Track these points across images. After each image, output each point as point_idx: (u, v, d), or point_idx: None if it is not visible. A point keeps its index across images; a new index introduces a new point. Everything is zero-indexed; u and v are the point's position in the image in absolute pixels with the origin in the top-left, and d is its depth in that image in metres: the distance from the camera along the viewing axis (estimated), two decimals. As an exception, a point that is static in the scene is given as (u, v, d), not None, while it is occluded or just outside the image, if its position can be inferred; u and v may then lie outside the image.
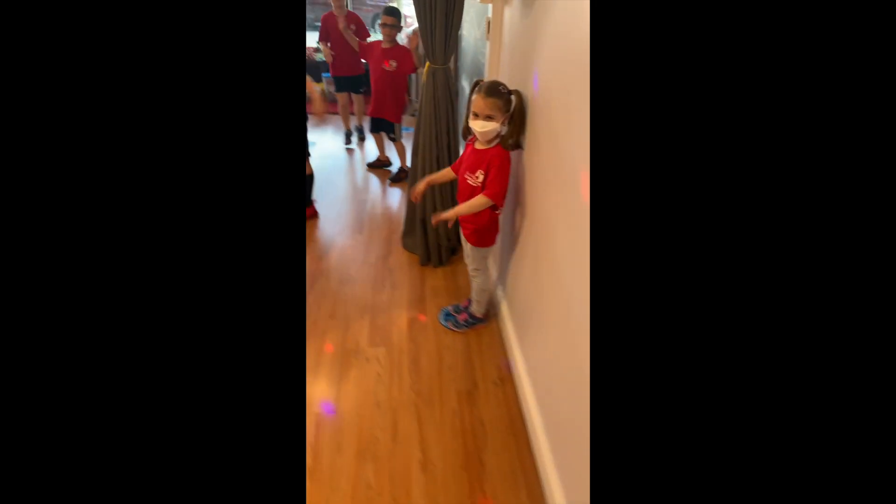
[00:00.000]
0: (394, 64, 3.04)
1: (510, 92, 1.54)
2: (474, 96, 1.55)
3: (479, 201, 1.62)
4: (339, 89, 3.82)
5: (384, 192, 3.36)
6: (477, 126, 1.56)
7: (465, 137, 1.71)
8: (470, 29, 2.97)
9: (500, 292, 2.10)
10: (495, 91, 1.52)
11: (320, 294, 2.24)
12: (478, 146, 1.63)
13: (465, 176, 1.69)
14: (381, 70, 3.07)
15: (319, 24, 3.55)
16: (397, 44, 3.09)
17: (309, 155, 2.74)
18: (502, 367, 1.82)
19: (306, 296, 2.22)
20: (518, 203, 1.70)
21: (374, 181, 3.52)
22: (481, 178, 1.63)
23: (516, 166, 1.70)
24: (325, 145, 4.12)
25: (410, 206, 2.46)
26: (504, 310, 2.01)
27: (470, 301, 2.04)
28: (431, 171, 2.27)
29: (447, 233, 2.40)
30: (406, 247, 2.60)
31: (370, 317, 2.10)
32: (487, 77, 2.24)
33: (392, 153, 3.71)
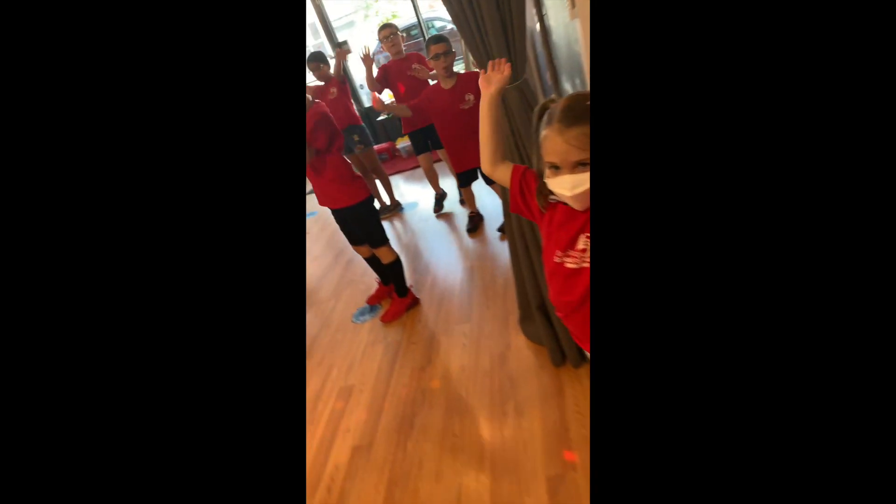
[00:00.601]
0: (470, 98, 2.36)
1: None
2: (545, 133, 0.80)
3: None
4: (419, 150, 3.16)
5: (490, 254, 2.67)
6: (565, 188, 0.79)
7: (543, 206, 0.91)
8: (556, 14, 2.19)
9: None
10: (581, 112, 0.75)
11: (422, 433, 1.63)
12: (574, 205, 0.85)
13: (557, 258, 0.90)
14: (456, 112, 2.40)
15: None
16: (458, 73, 2.42)
17: (387, 240, 2.21)
18: None
19: (405, 440, 1.64)
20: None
21: (477, 243, 2.87)
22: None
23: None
24: (424, 207, 3.62)
25: (521, 285, 1.73)
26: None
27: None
28: (529, 228, 1.53)
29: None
30: (528, 336, 1.86)
31: (491, 471, 1.41)
32: (589, 74, 1.44)
33: (494, 198, 2.99)
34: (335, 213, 2.14)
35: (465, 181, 2.76)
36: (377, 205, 3.67)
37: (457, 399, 1.73)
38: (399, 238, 3.32)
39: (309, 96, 1.87)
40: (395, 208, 3.68)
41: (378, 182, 3.61)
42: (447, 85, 2.38)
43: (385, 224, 3.56)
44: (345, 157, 2.07)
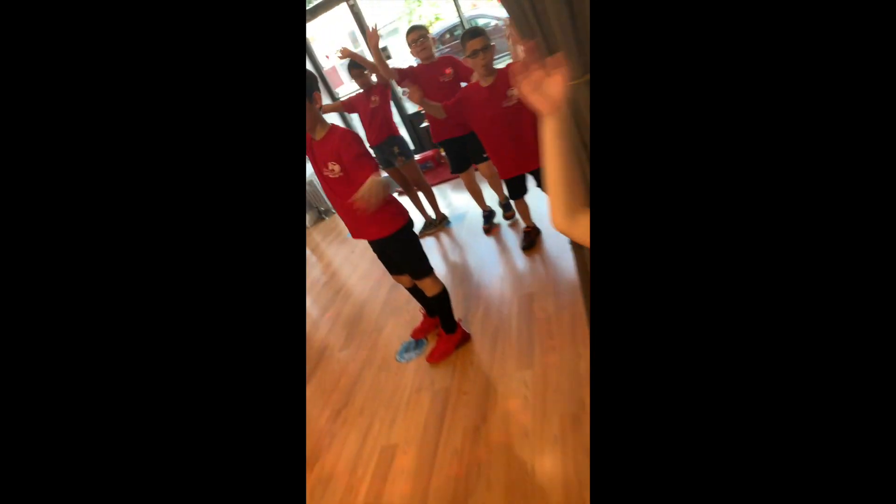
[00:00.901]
0: (514, 93, 2.01)
1: None
2: None
3: None
4: (458, 167, 2.81)
5: (551, 276, 2.30)
6: None
7: None
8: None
9: None
10: None
11: (480, 522, 1.31)
12: None
13: None
14: (499, 112, 2.06)
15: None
16: (499, 70, 2.07)
17: (430, 271, 1.91)
18: None
19: (458, 528, 1.32)
20: None
21: (534, 263, 2.51)
22: None
23: None
24: (473, 217, 3.29)
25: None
26: None
27: None
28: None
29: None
30: (609, 392, 1.49)
31: None
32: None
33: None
34: (371, 244, 1.87)
35: (515, 191, 2.40)
36: (421, 220, 3.41)
37: (521, 478, 1.39)
38: (445, 256, 3.02)
39: (312, 108, 1.57)
40: (441, 222, 3.38)
41: (421, 195, 3.33)
42: (487, 82, 2.04)
43: (430, 240, 3.29)
44: None
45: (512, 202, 2.56)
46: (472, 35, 2.00)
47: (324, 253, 4.15)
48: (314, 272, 3.77)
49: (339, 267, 3.63)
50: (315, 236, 4.66)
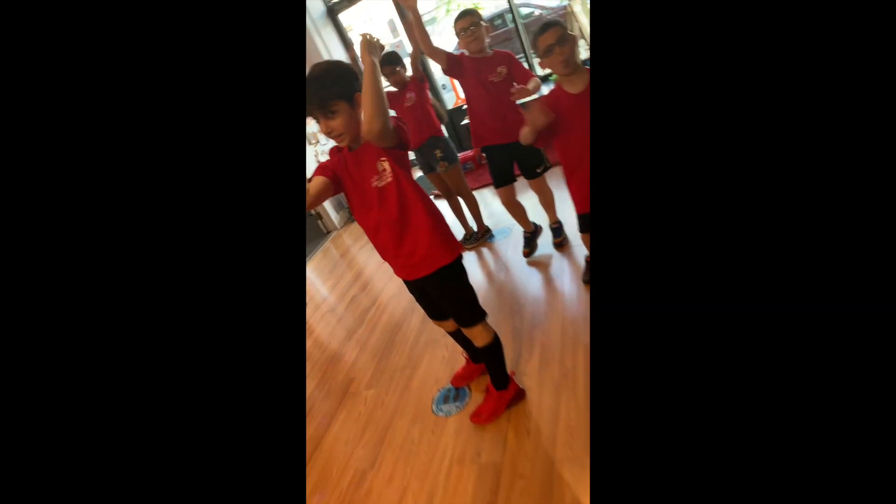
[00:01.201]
0: None
1: None
2: None
3: None
4: (502, 179, 2.36)
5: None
6: None
7: None
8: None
9: None
10: None
11: None
12: None
13: None
14: (588, 127, 1.60)
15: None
16: (588, 69, 1.61)
17: (482, 317, 1.53)
18: None
19: None
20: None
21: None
22: None
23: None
24: (520, 233, 2.88)
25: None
26: None
27: None
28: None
29: None
30: None
31: None
32: None
33: None
34: (408, 283, 1.51)
35: (585, 225, 1.99)
36: (461, 231, 3.04)
37: None
38: (489, 278, 2.65)
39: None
40: (484, 236, 3.01)
41: (462, 203, 2.96)
42: (575, 87, 1.58)
43: (471, 256, 2.92)
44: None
45: (581, 235, 2.11)
46: (544, 29, 1.55)
47: (355, 259, 3.85)
48: (343, 282, 3.47)
49: (372, 276, 3.31)
50: (346, 239, 4.37)
